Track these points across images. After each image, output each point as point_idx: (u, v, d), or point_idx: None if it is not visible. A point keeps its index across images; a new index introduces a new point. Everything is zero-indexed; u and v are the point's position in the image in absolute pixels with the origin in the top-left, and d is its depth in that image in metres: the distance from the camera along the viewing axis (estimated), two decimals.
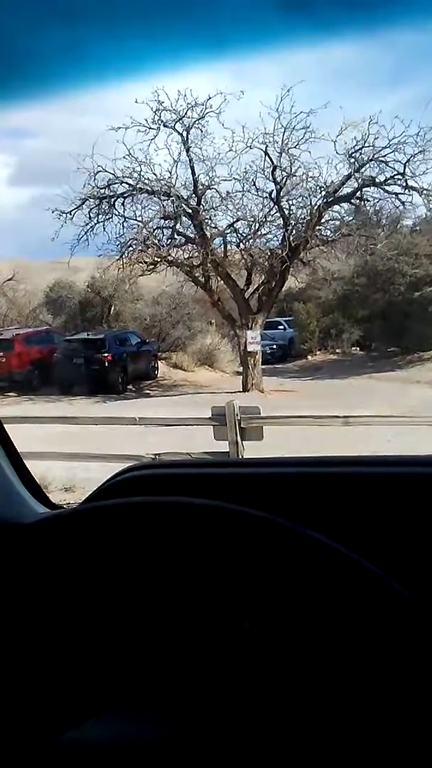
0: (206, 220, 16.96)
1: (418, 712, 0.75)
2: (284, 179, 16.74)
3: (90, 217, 16.99)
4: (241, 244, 17.60)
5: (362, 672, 0.79)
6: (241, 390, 16.43)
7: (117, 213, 17.06)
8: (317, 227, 16.96)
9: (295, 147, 16.39)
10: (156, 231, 17.14)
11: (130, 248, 17.09)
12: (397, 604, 0.79)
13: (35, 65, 1.28)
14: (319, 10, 1.13)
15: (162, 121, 16.20)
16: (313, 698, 0.82)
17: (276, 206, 16.92)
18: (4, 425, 1.39)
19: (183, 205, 16.65)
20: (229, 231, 17.36)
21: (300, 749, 0.81)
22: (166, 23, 1.18)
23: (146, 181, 16.64)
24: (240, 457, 6.62)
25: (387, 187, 17.01)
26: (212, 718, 0.86)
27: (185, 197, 16.74)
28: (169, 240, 17.26)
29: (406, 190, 16.82)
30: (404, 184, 16.72)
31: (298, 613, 0.84)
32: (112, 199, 16.96)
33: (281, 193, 16.79)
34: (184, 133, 16.47)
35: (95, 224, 17.03)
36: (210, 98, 15.86)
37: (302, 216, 16.96)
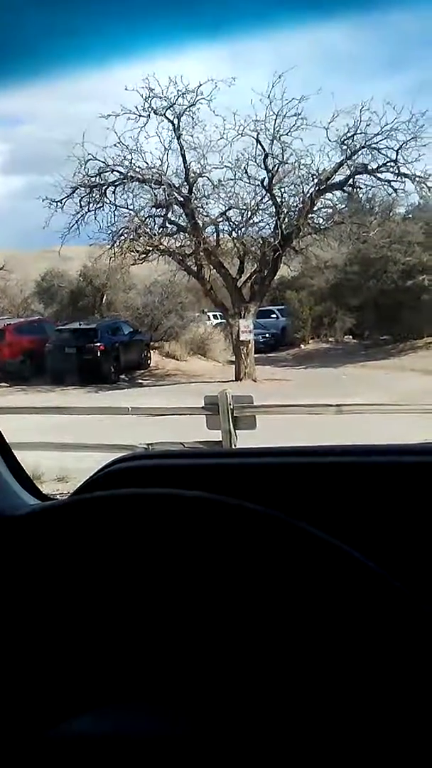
0: (198, 209, 16.91)
1: (418, 706, 0.75)
2: (276, 167, 16.69)
3: (81, 206, 16.93)
4: (233, 233, 17.58)
5: (359, 665, 0.79)
6: (234, 379, 16.44)
7: (108, 201, 17.01)
8: (309, 215, 16.94)
9: (286, 134, 16.38)
10: (147, 219, 17.10)
11: (122, 237, 17.03)
12: (390, 596, 0.79)
13: (26, 50, 1.26)
14: None
15: (152, 109, 16.12)
16: (310, 692, 0.82)
17: (268, 194, 16.88)
18: None
19: (174, 193, 16.59)
20: (221, 219, 17.33)
21: (298, 743, 0.81)
22: (161, 6, 1.16)
23: (137, 169, 16.57)
24: (233, 445, 6.63)
25: (379, 175, 16.99)
26: (208, 711, 0.85)
27: (177, 185, 16.67)
28: (161, 228, 17.20)
29: (399, 178, 16.81)
30: (397, 171, 16.70)
31: (292, 606, 0.83)
32: (103, 188, 16.87)
33: (273, 181, 16.74)
34: (175, 121, 16.40)
35: (86, 213, 16.98)
36: (201, 85, 15.82)
37: (294, 204, 16.95)
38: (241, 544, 0.86)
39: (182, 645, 0.89)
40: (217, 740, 0.83)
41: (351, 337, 22.82)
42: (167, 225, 17.20)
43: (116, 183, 16.85)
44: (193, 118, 16.37)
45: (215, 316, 21.52)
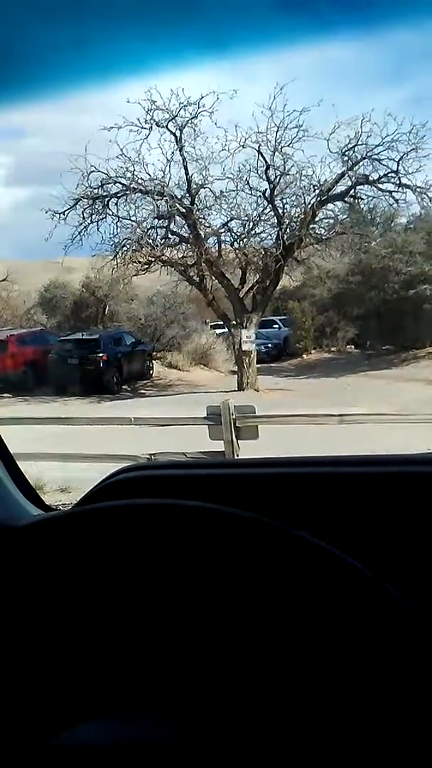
0: (200, 220, 16.96)
1: (413, 713, 0.75)
2: (278, 178, 16.74)
3: (83, 217, 16.97)
4: (235, 243, 17.60)
5: (360, 673, 0.79)
6: (237, 389, 16.42)
7: (110, 213, 17.05)
8: (311, 226, 16.98)
9: (288, 146, 16.42)
10: (150, 231, 17.13)
11: (124, 248, 17.08)
12: (391, 605, 0.79)
13: (30, 64, 1.27)
14: (318, 9, 1.13)
15: (155, 121, 16.19)
16: (309, 697, 0.81)
17: (270, 205, 16.93)
18: None
19: (176, 204, 16.64)
20: (223, 230, 17.37)
21: (296, 747, 0.81)
22: (165, 22, 1.17)
23: (139, 181, 16.62)
24: (235, 456, 6.62)
25: (380, 185, 17.02)
26: (208, 717, 0.85)
27: (179, 197, 16.72)
28: (163, 239, 17.25)
29: (400, 188, 16.85)
30: (398, 182, 16.74)
31: (292, 612, 0.83)
32: (106, 199, 16.92)
33: (275, 192, 16.79)
34: (177, 133, 16.46)
35: (89, 224, 17.01)
36: (203, 97, 15.87)
37: (296, 215, 16.97)
38: (242, 554, 0.86)
39: (183, 654, 0.89)
40: (217, 748, 0.83)
41: (353, 347, 22.81)
42: (169, 236, 17.25)
43: (119, 194, 16.90)
44: (195, 130, 16.45)
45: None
